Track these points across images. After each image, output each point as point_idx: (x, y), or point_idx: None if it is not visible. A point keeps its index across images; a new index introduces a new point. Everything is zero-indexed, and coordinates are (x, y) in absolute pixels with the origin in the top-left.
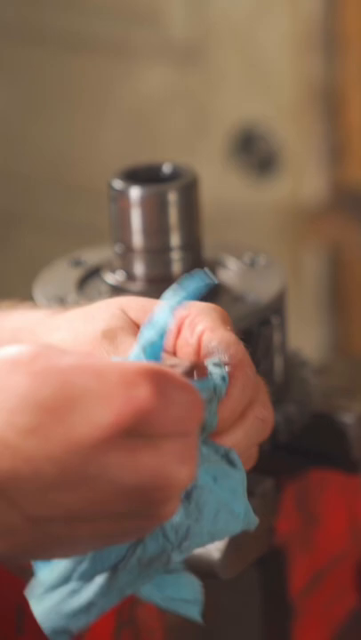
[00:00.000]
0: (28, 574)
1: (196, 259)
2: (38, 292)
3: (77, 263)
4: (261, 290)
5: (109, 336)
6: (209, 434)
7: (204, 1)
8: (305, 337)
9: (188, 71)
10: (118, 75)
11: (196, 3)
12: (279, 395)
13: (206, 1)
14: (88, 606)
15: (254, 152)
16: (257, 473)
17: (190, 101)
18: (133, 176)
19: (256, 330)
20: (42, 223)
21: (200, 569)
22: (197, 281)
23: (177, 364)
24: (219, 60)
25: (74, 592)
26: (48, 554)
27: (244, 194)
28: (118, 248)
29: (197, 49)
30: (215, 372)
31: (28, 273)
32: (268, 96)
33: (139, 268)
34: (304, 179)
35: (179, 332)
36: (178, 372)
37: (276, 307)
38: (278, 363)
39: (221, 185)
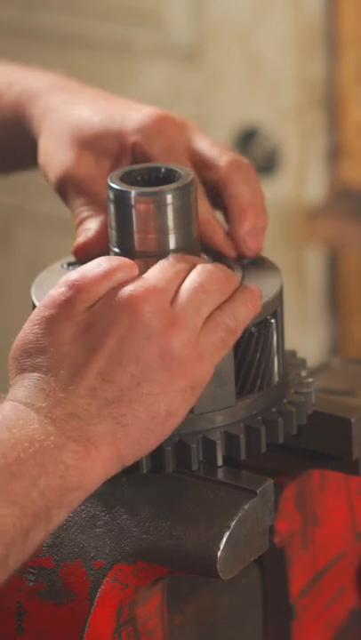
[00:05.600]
0: (28, 574)
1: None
2: (35, 294)
3: (74, 265)
4: None
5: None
6: None
7: (205, 2)
8: (305, 336)
9: (190, 72)
10: (120, 75)
11: (197, 4)
12: (277, 395)
13: (208, 2)
14: None
15: (255, 152)
16: (257, 473)
17: (191, 102)
18: (131, 178)
19: (255, 331)
20: (42, 222)
21: (200, 569)
22: None
23: None
24: (220, 60)
25: None
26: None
27: None
28: (116, 249)
29: (199, 50)
30: None
31: (29, 272)
32: (269, 97)
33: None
34: (304, 179)
35: None
36: None
37: (274, 308)
38: (276, 363)
39: None
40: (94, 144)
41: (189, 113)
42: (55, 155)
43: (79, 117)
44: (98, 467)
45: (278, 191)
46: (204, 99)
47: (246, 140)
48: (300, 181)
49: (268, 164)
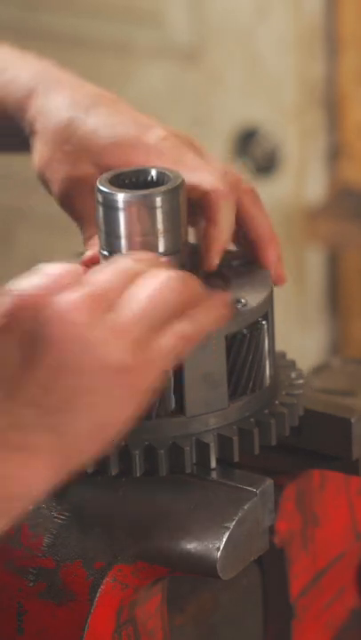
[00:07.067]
0: (28, 574)
1: (183, 263)
2: None
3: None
4: (251, 294)
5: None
6: None
7: (205, 2)
8: (305, 336)
9: (190, 72)
10: (120, 75)
11: (197, 4)
12: (269, 397)
13: (208, 2)
14: None
15: (255, 152)
16: (257, 473)
17: (191, 102)
18: (119, 180)
19: (247, 333)
20: (42, 223)
21: (200, 569)
22: None
23: None
24: (220, 60)
25: None
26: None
27: None
28: (105, 252)
29: (199, 50)
30: None
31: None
32: (269, 97)
33: None
34: (304, 178)
35: None
36: None
37: (265, 310)
38: (268, 365)
39: None
40: (100, 160)
41: (189, 113)
42: (59, 165)
43: (94, 131)
44: (38, 476)
45: (278, 191)
46: (203, 99)
47: (246, 140)
48: (301, 181)
49: (268, 164)
